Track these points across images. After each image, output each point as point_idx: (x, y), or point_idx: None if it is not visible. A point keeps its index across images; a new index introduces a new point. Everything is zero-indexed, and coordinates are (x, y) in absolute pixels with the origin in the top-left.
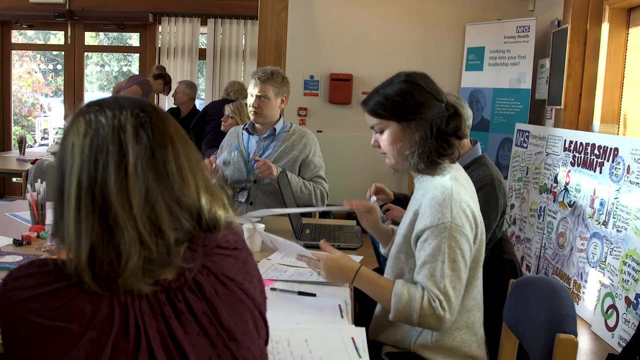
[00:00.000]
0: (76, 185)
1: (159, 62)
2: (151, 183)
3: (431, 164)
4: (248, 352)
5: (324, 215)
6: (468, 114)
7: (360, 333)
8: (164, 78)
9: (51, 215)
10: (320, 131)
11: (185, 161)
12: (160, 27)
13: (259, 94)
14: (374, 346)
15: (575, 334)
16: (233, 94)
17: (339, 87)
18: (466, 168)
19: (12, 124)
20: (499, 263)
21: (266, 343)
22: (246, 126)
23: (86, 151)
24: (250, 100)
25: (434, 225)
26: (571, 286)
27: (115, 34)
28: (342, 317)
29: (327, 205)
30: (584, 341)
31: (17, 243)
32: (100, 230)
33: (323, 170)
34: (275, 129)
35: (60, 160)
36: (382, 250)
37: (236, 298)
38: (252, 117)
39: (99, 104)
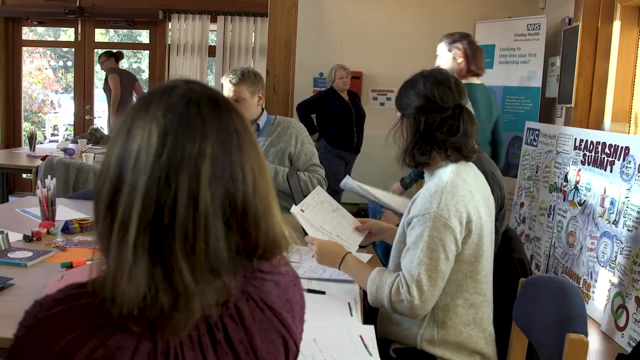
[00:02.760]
0: (139, 214)
1: (169, 59)
2: (218, 232)
3: (414, 161)
4: None
5: None
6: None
7: (369, 331)
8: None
9: (94, 218)
10: None
11: (254, 199)
12: (170, 24)
13: (233, 97)
14: (382, 343)
15: (586, 334)
16: None
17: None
18: None
19: (23, 121)
20: (509, 262)
21: None
22: None
23: (157, 173)
24: None
25: (421, 214)
26: (581, 285)
27: (125, 30)
28: (351, 315)
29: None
30: (594, 341)
31: (27, 239)
32: (157, 275)
33: (316, 157)
34: (259, 125)
35: (120, 165)
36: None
37: (272, 326)
38: None
39: (178, 111)
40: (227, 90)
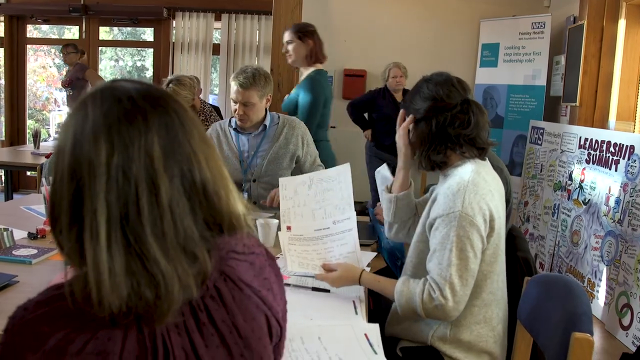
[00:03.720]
0: (106, 219)
1: (173, 57)
2: (182, 210)
3: (430, 162)
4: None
5: None
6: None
7: (373, 329)
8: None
9: (55, 236)
10: (334, 127)
11: (208, 170)
12: (174, 22)
13: (243, 101)
14: (388, 342)
15: (591, 333)
16: None
17: (353, 83)
18: None
19: (27, 118)
20: (514, 261)
21: (280, 344)
22: (232, 124)
23: (113, 175)
24: (233, 106)
25: (445, 214)
26: (585, 284)
27: (129, 28)
28: (356, 313)
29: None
30: (598, 340)
31: (32, 236)
32: (137, 269)
33: (317, 155)
34: (265, 125)
35: (74, 169)
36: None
37: (252, 304)
38: (238, 123)
39: (114, 107)
40: (235, 93)
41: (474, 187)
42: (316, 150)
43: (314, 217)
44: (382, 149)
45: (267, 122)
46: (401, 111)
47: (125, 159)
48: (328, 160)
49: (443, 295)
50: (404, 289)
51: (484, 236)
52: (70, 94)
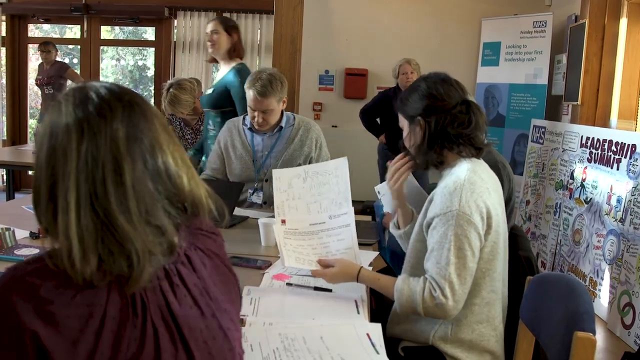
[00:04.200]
0: (75, 196)
1: (175, 57)
2: (145, 189)
3: (426, 161)
4: (231, 323)
5: None
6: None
7: (376, 329)
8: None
9: (36, 215)
10: (335, 126)
11: (170, 155)
12: (175, 21)
13: (262, 109)
14: (390, 342)
15: (594, 332)
16: None
17: (354, 82)
18: None
19: (29, 118)
20: (515, 260)
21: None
22: (247, 123)
23: (83, 158)
24: (251, 113)
25: (443, 213)
26: (587, 283)
27: (130, 28)
28: (358, 313)
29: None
30: (600, 339)
31: (34, 236)
32: (108, 241)
33: (329, 160)
34: (281, 127)
35: (50, 156)
36: (396, 231)
37: (222, 271)
38: (256, 128)
39: (85, 102)
40: (253, 101)
41: (471, 185)
42: (328, 154)
43: (309, 210)
44: (395, 151)
45: (283, 123)
46: (400, 155)
47: (93, 145)
48: None
49: (444, 294)
50: (404, 287)
51: (481, 234)
52: (50, 92)
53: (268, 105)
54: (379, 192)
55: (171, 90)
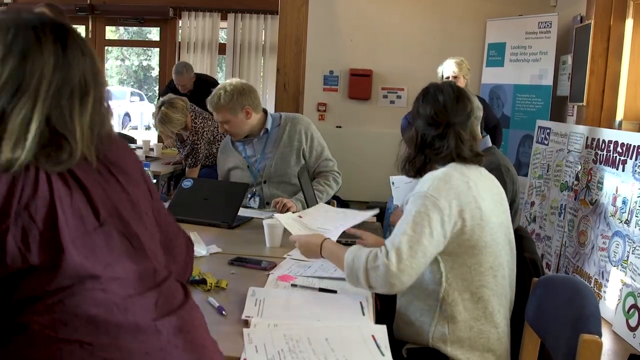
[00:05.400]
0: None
1: (179, 57)
2: (69, 97)
3: (414, 169)
4: (137, 188)
5: (343, 207)
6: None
7: (381, 331)
8: None
9: None
10: (340, 127)
11: (92, 72)
12: (180, 21)
13: (219, 120)
14: (395, 344)
15: (600, 335)
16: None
17: (359, 83)
18: None
19: None
20: (521, 261)
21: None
22: (233, 139)
23: (11, 64)
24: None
25: (412, 195)
26: (592, 285)
27: (135, 28)
28: (363, 314)
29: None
30: (605, 341)
31: None
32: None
33: (326, 150)
34: (267, 129)
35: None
36: None
37: (131, 157)
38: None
39: (24, 35)
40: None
41: (445, 176)
42: (323, 144)
43: (323, 223)
44: None
45: (269, 125)
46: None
47: (22, 56)
48: None
49: (387, 257)
50: (354, 249)
51: (446, 221)
52: None
53: (223, 117)
54: (393, 183)
55: (162, 108)
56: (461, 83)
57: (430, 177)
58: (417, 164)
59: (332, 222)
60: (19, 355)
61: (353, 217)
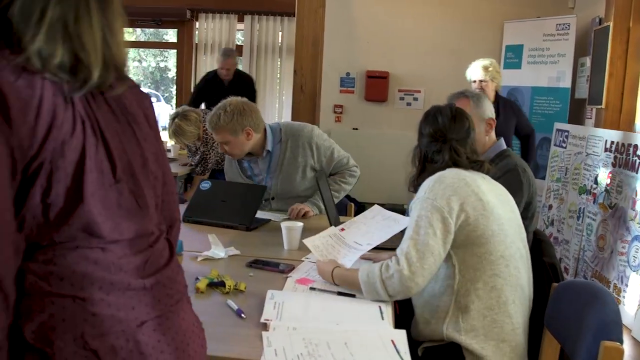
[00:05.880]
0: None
1: (196, 58)
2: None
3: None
4: (148, 143)
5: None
6: (486, 106)
7: (400, 335)
8: None
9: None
10: (356, 128)
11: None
12: (197, 23)
13: (219, 141)
14: (413, 345)
15: (621, 341)
16: None
17: (375, 85)
18: (491, 162)
19: None
20: (540, 266)
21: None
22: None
23: None
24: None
25: (413, 202)
26: (611, 290)
27: (152, 30)
28: (382, 318)
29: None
30: (626, 347)
31: None
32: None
33: (336, 149)
34: (269, 150)
35: None
36: None
37: (139, 96)
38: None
39: None
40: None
41: (440, 177)
42: (329, 145)
43: (363, 234)
44: None
45: (269, 146)
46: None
47: None
48: None
49: (399, 264)
50: (363, 272)
51: (447, 217)
52: None
53: (223, 138)
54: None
55: (176, 120)
56: (489, 87)
57: (426, 182)
58: (422, 180)
59: (371, 234)
60: None
61: (397, 223)
